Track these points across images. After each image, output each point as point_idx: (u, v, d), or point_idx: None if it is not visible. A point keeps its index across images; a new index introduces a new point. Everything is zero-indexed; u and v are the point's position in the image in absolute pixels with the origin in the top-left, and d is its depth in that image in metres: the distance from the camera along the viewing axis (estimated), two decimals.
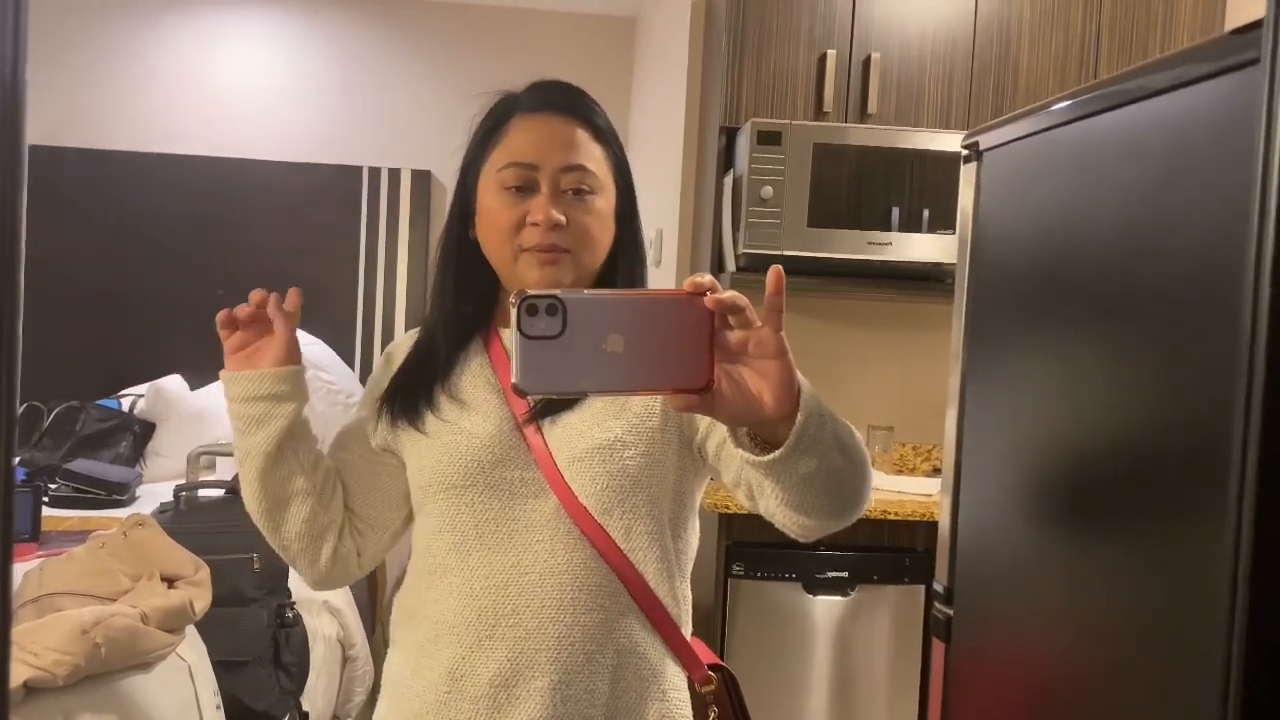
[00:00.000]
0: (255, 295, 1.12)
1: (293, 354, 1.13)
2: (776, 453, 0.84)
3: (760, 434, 0.86)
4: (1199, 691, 0.86)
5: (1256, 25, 0.87)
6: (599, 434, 1.09)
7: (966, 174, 1.34)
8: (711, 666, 1.17)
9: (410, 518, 1.21)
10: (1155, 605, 0.96)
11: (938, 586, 1.43)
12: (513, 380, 0.74)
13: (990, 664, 1.29)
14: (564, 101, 1.14)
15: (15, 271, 0.54)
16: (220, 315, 1.13)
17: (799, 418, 0.82)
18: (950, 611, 1.37)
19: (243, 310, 1.13)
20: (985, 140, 1.31)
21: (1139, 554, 0.99)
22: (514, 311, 0.73)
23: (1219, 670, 0.74)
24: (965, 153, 1.35)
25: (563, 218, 1.09)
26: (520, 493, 1.10)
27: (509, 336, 0.75)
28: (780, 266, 0.78)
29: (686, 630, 1.16)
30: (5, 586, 0.56)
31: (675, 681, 1.13)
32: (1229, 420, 0.73)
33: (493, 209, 1.12)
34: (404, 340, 1.24)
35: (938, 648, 1.39)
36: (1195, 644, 0.88)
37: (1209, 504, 0.85)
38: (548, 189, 1.10)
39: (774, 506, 0.96)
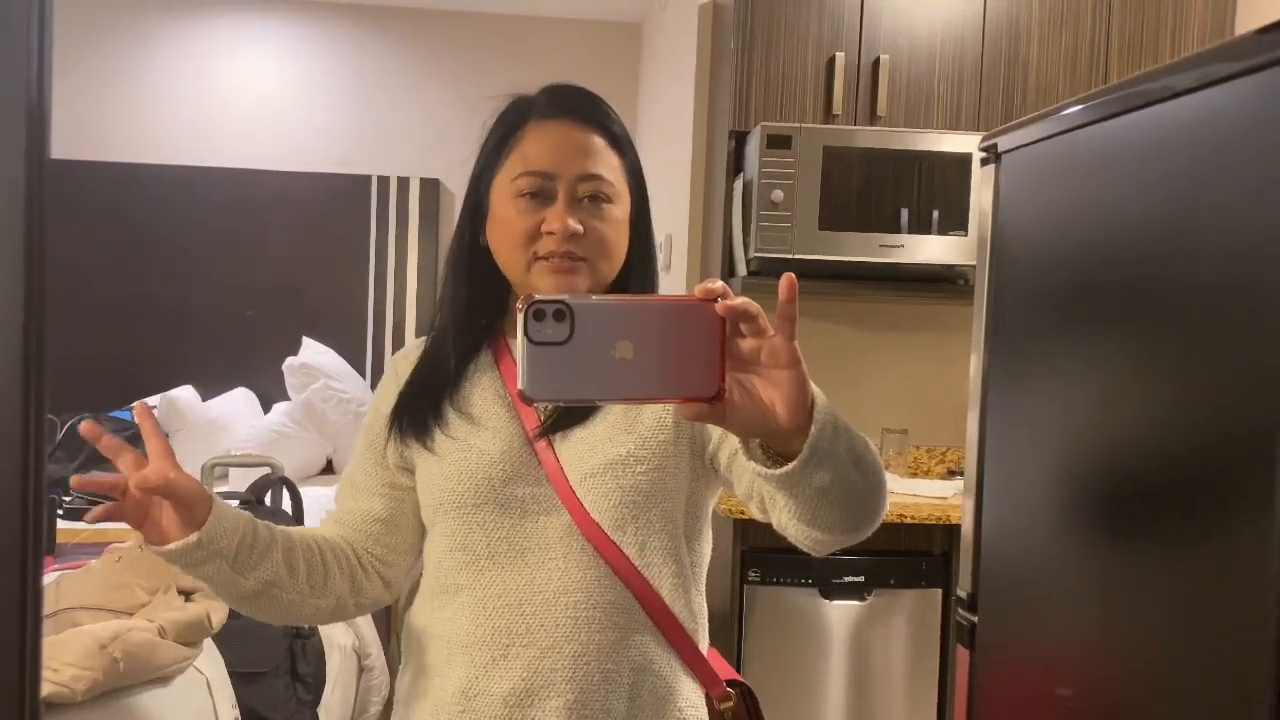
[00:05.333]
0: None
1: (189, 512, 1.00)
2: (789, 465, 0.81)
3: (773, 446, 0.83)
4: (1241, 705, 0.85)
5: None
6: (611, 449, 1.08)
7: (985, 176, 1.34)
8: (730, 682, 1.15)
9: None
10: (1195, 616, 0.94)
11: (961, 592, 1.42)
12: (519, 387, 0.72)
13: (1016, 672, 1.28)
14: (580, 108, 1.12)
15: (42, 285, 0.54)
16: (74, 482, 0.97)
17: (812, 430, 0.80)
18: (974, 618, 1.35)
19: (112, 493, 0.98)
20: (1004, 142, 1.30)
21: (1174, 558, 0.97)
22: (521, 316, 0.71)
23: (1267, 683, 0.72)
24: (983, 155, 1.34)
25: (580, 227, 1.07)
26: (532, 510, 1.08)
27: (519, 346, 0.73)
28: (793, 274, 0.75)
29: (703, 645, 1.14)
30: (36, 606, 0.56)
31: (692, 699, 1.11)
32: (1268, 422, 0.72)
33: (507, 216, 1.10)
34: (410, 350, 1.22)
35: (961, 654, 1.38)
36: (1239, 656, 0.87)
37: (1250, 508, 0.84)
38: (564, 197, 1.08)
39: (786, 520, 0.94)
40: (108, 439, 0.99)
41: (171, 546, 1.00)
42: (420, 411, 1.14)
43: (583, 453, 1.08)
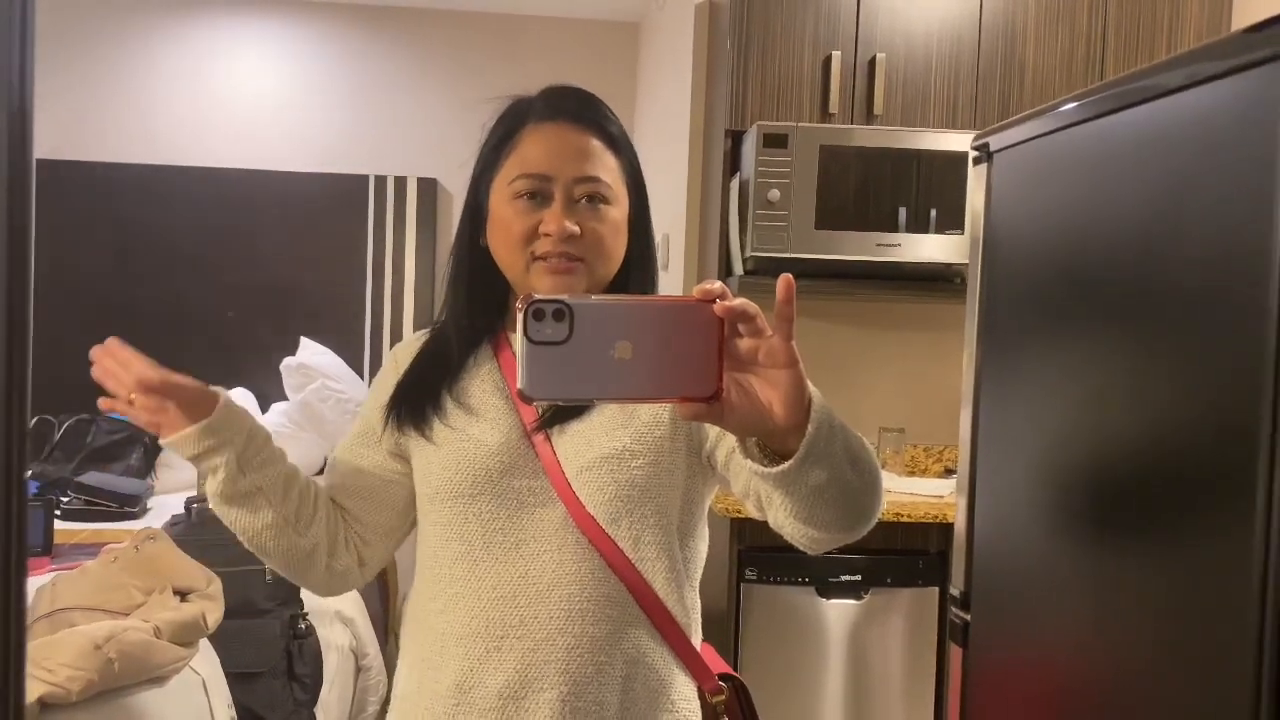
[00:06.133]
0: (94, 354, 1.13)
1: (197, 410, 1.08)
2: (786, 464, 0.82)
3: (770, 444, 0.84)
4: (1228, 702, 0.85)
5: (1272, 22, 0.86)
6: (607, 443, 1.09)
7: (977, 175, 1.34)
8: (722, 676, 1.16)
9: (415, 522, 1.21)
10: (1183, 611, 0.95)
11: (954, 591, 1.42)
12: (518, 386, 0.73)
13: (1010, 670, 1.28)
14: (577, 110, 1.13)
15: (25, 286, 0.54)
16: (102, 405, 1.12)
17: (809, 429, 0.80)
18: (967, 616, 1.35)
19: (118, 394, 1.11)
20: (996, 141, 1.30)
21: (1165, 557, 0.97)
22: (520, 316, 0.72)
23: (1250, 680, 0.73)
24: (975, 154, 1.34)
25: (576, 228, 1.08)
26: (528, 502, 1.09)
27: (518, 345, 0.74)
28: (790, 275, 0.76)
29: (696, 640, 1.15)
30: (20, 605, 0.56)
31: (685, 692, 1.12)
32: (1256, 420, 0.72)
33: (505, 218, 1.11)
34: (410, 342, 1.23)
35: (955, 653, 1.38)
36: (1225, 653, 0.87)
37: (1238, 505, 0.84)
38: (561, 199, 1.09)
39: (783, 518, 0.95)
40: (115, 349, 1.11)
41: (176, 436, 1.08)
42: (419, 400, 1.15)
43: (579, 446, 1.09)
